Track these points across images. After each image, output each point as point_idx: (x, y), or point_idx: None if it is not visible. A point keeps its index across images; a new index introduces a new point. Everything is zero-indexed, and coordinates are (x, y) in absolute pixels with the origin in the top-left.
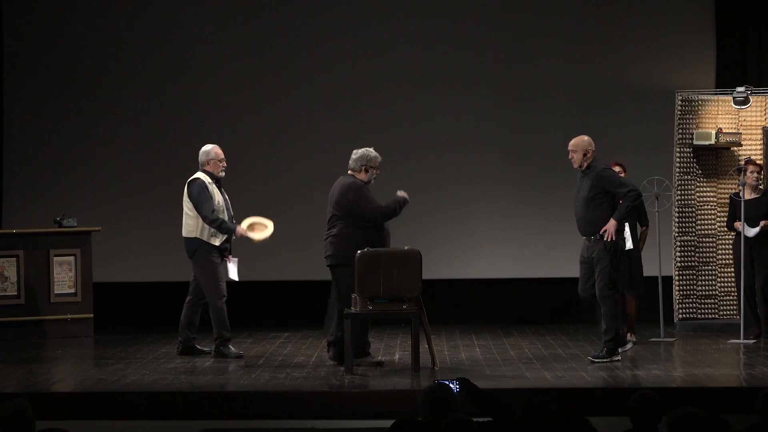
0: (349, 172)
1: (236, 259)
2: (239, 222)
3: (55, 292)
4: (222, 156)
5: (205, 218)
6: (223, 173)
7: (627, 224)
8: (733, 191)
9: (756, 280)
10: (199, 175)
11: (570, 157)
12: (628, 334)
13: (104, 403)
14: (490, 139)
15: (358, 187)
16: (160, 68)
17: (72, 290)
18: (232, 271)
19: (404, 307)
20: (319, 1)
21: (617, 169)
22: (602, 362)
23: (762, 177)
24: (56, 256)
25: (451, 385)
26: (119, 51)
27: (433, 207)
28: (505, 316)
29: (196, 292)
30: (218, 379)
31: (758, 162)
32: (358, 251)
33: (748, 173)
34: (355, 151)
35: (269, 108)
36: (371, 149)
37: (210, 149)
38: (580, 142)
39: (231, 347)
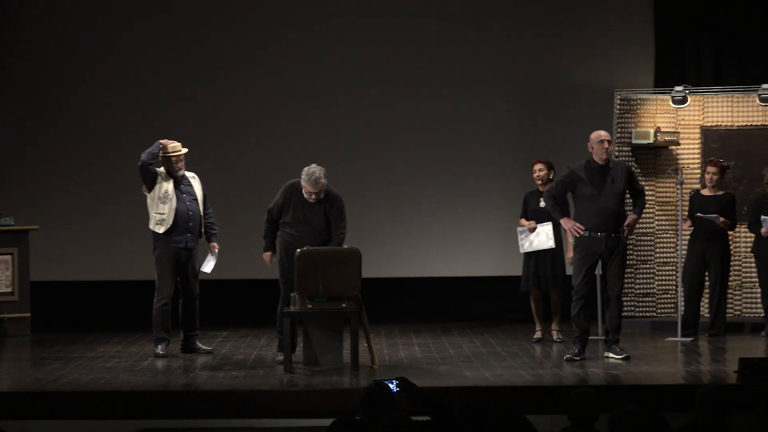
0: None
1: (216, 252)
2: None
3: None
4: (175, 154)
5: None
6: (181, 172)
7: (550, 223)
8: (693, 189)
9: (710, 278)
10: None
11: (608, 147)
12: (554, 333)
13: (42, 402)
14: (425, 137)
15: (285, 185)
16: (103, 67)
17: (9, 289)
18: (207, 264)
19: (343, 305)
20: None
21: (540, 166)
22: (624, 358)
23: (718, 178)
24: None
25: (390, 385)
26: (60, 48)
27: (372, 206)
28: (444, 315)
29: (182, 289)
30: (157, 378)
31: (719, 162)
32: (298, 250)
33: (705, 172)
34: (309, 167)
35: (221, 109)
36: (317, 171)
37: (168, 150)
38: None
39: (159, 347)
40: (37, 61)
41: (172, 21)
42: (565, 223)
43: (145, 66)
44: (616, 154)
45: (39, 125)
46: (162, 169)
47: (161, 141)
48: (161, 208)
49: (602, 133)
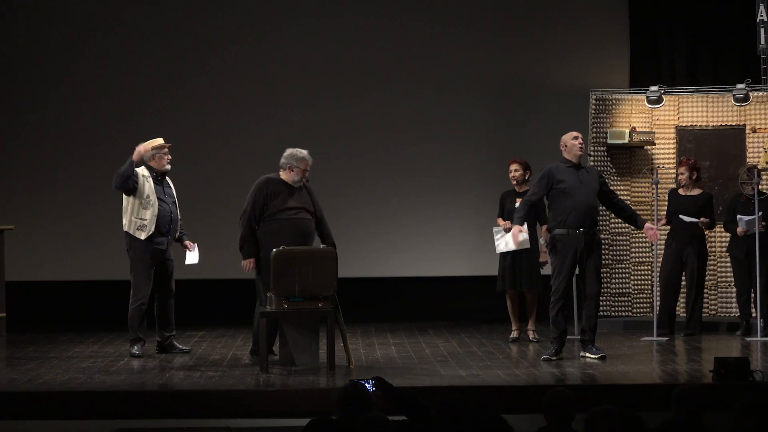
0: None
1: (195, 245)
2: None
3: None
4: (165, 148)
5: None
6: (169, 166)
7: (525, 223)
8: (670, 188)
9: (686, 278)
10: (138, 170)
11: (582, 144)
12: (530, 332)
13: (17, 403)
14: (402, 137)
15: (256, 184)
16: (78, 66)
17: None
18: (191, 257)
19: (320, 305)
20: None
21: (515, 166)
22: (600, 357)
23: (687, 176)
24: None
25: (366, 384)
26: (35, 46)
27: (349, 205)
28: (421, 315)
29: (160, 289)
30: (132, 378)
31: (687, 162)
32: (274, 249)
33: (678, 174)
34: (287, 149)
35: (200, 108)
36: (302, 150)
37: (155, 143)
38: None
39: (135, 347)
40: (11, 58)
41: (150, 20)
42: (512, 228)
43: (122, 65)
44: (591, 154)
45: (13, 125)
46: (141, 169)
47: (140, 147)
48: (143, 214)
49: (574, 132)
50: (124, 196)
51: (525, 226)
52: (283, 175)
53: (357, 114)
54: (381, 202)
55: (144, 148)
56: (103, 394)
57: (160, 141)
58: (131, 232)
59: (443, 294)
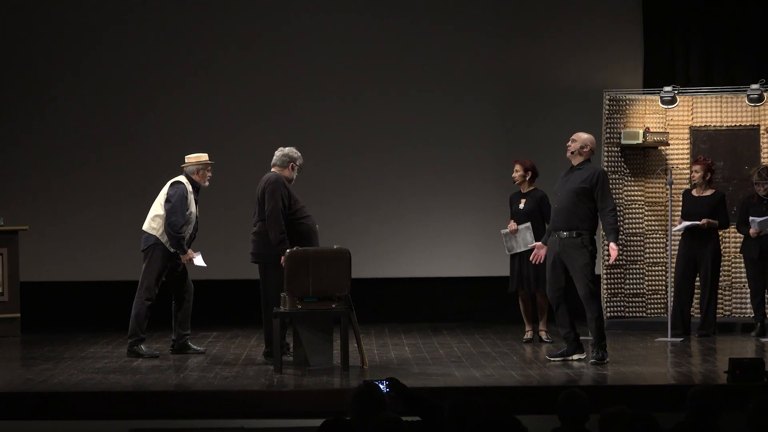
0: (274, 168)
1: (198, 252)
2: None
3: None
4: (209, 164)
5: (170, 226)
6: (208, 183)
7: (529, 223)
8: (685, 188)
9: (701, 279)
10: (183, 180)
11: (568, 144)
12: (542, 333)
13: (32, 403)
14: (413, 138)
15: (275, 181)
16: (90, 65)
17: None
18: (198, 260)
19: (333, 306)
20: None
21: (517, 167)
22: (603, 363)
23: (702, 175)
24: None
25: (380, 385)
26: (49, 47)
27: (362, 205)
28: (435, 315)
29: (179, 289)
30: (146, 378)
31: (704, 161)
32: (288, 250)
33: (693, 173)
34: (280, 149)
35: (214, 109)
36: (289, 149)
37: (202, 159)
38: (582, 135)
39: (143, 347)
40: (26, 59)
41: (162, 19)
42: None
43: (136, 65)
44: (606, 154)
45: (27, 126)
46: (186, 184)
47: (201, 154)
48: (183, 230)
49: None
50: (160, 201)
51: (528, 225)
52: (283, 173)
53: (371, 115)
54: (395, 202)
55: (190, 255)
56: (118, 395)
57: (205, 157)
58: (160, 238)
59: (457, 294)
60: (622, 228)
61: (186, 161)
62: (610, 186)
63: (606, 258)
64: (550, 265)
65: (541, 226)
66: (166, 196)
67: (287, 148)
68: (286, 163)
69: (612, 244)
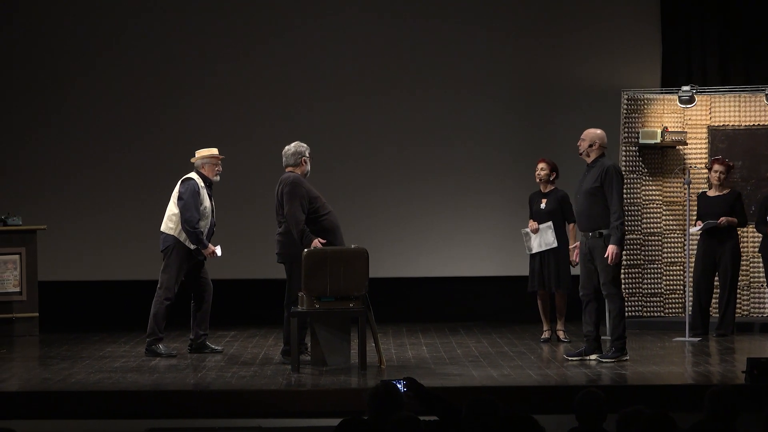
0: (288, 169)
1: (218, 245)
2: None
3: (0, 291)
4: (218, 160)
5: (186, 223)
6: (218, 177)
7: (550, 222)
8: (701, 189)
9: (719, 278)
10: (193, 176)
11: (578, 144)
12: (560, 332)
13: (50, 402)
14: (432, 136)
15: (294, 182)
16: (108, 65)
17: (17, 289)
18: (219, 251)
19: (351, 305)
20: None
21: (542, 165)
22: (611, 362)
23: (725, 177)
24: (1, 254)
25: (397, 384)
26: (65, 47)
27: (379, 205)
28: (452, 315)
29: (199, 288)
30: (164, 378)
31: (725, 161)
32: (305, 250)
33: (711, 171)
34: (287, 148)
35: (225, 109)
36: (296, 144)
37: (210, 153)
38: (590, 132)
39: (161, 346)
40: (42, 58)
41: (179, 19)
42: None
43: (154, 65)
44: (624, 154)
45: (46, 125)
46: (197, 179)
47: (199, 154)
48: (199, 225)
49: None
50: (175, 201)
51: (550, 224)
52: (298, 170)
53: (387, 114)
54: (413, 201)
55: (212, 249)
56: (135, 394)
57: (214, 151)
58: (182, 239)
59: (475, 294)
60: (639, 227)
61: (196, 156)
62: (624, 183)
63: (623, 256)
64: (581, 264)
65: (562, 225)
66: (178, 194)
67: (292, 146)
68: (298, 159)
69: (611, 246)
